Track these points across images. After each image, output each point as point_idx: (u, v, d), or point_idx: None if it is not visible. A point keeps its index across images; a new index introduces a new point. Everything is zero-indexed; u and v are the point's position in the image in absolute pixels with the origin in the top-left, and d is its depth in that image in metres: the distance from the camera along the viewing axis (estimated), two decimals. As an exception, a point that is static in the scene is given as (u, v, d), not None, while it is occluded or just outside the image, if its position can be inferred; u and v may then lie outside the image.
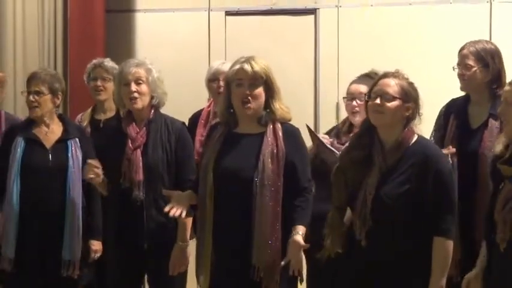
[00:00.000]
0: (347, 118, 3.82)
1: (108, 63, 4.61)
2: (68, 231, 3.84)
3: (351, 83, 3.81)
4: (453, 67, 3.75)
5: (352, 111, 3.72)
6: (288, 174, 3.29)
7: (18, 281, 3.83)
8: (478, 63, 3.66)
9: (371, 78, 3.73)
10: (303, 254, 3.27)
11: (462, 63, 3.70)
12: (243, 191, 3.25)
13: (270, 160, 3.26)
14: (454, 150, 3.61)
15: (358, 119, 3.66)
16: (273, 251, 3.24)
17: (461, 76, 3.72)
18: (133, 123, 3.77)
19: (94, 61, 4.69)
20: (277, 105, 3.34)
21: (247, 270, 3.24)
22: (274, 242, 3.24)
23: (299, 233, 3.22)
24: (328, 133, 3.87)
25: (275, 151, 3.28)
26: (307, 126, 3.75)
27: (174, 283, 3.77)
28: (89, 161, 3.69)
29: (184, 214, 3.39)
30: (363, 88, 3.66)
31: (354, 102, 3.70)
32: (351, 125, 3.76)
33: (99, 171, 3.64)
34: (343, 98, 3.82)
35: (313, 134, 3.77)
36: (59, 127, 3.99)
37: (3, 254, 3.84)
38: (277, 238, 3.25)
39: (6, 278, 3.87)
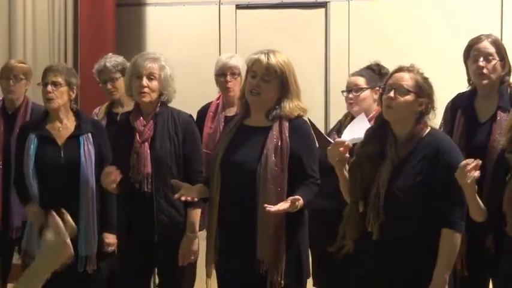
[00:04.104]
0: (349, 112, 3.81)
1: (110, 62, 4.44)
2: (83, 227, 3.83)
3: (350, 75, 3.84)
4: (464, 61, 3.66)
5: (349, 103, 3.75)
6: (294, 167, 3.27)
7: None
8: (497, 55, 3.55)
9: (372, 70, 3.78)
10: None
11: (483, 55, 3.56)
12: (247, 183, 3.23)
13: (273, 154, 3.24)
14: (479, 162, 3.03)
15: (356, 109, 3.70)
16: (277, 245, 3.22)
17: (480, 69, 3.55)
18: (141, 116, 3.77)
19: (98, 66, 4.48)
20: (287, 105, 3.30)
21: (252, 263, 3.23)
22: (278, 236, 3.23)
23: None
24: (333, 128, 3.86)
25: (279, 145, 3.26)
26: (309, 120, 3.71)
27: (183, 275, 3.79)
28: (106, 169, 3.66)
29: (195, 199, 3.37)
30: (360, 80, 3.73)
31: (351, 95, 3.72)
32: (353, 118, 3.71)
33: (115, 175, 3.59)
34: (342, 91, 3.82)
35: (315, 129, 3.73)
36: (72, 122, 3.97)
37: (28, 249, 3.83)
38: (281, 232, 3.23)
39: None
